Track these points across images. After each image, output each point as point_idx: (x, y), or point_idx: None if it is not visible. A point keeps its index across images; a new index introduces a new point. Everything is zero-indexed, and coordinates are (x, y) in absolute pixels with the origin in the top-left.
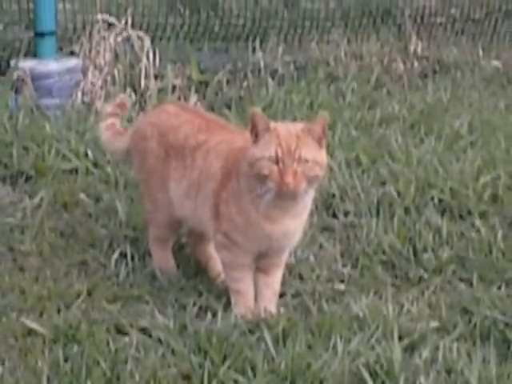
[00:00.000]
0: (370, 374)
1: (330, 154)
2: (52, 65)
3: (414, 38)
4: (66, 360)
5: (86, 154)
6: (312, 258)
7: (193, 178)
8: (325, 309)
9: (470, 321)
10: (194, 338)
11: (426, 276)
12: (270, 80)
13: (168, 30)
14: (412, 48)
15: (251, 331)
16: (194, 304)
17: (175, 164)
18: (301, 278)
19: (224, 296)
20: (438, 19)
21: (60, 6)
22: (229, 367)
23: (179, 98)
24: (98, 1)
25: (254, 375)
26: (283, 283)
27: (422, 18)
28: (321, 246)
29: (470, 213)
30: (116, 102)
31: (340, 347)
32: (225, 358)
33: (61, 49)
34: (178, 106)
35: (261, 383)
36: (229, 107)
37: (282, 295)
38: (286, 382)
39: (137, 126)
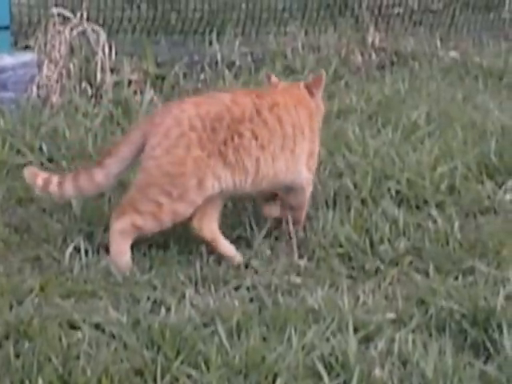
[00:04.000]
0: (325, 367)
1: None
2: (7, 59)
3: (371, 29)
4: (17, 356)
5: (41, 149)
6: (268, 251)
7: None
8: (280, 302)
9: (426, 312)
10: (147, 333)
11: (382, 267)
12: (227, 72)
13: (124, 24)
14: (370, 39)
15: (205, 325)
16: (148, 298)
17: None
18: (256, 271)
19: (178, 290)
20: (396, 10)
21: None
22: (182, 362)
23: (135, 92)
24: None
25: (208, 369)
26: (239, 275)
27: (379, 10)
28: (277, 239)
29: (426, 203)
30: None
31: (295, 340)
32: (178, 353)
33: (16, 43)
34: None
35: (214, 377)
36: None
37: (237, 288)
38: (239, 376)
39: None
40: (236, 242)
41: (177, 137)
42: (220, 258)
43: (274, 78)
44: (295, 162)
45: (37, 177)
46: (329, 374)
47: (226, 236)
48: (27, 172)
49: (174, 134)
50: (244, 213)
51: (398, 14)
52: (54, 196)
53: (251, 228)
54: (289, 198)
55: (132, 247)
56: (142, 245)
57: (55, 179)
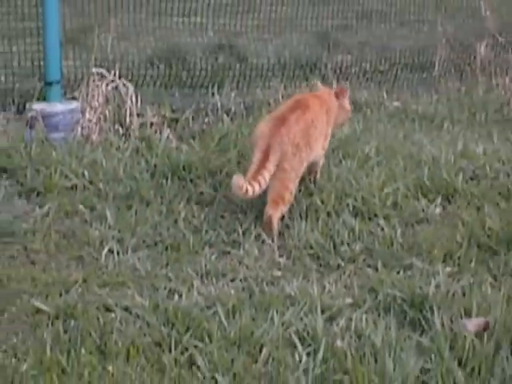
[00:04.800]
0: (299, 339)
1: None
2: (58, 106)
3: (334, 84)
4: (65, 332)
5: (83, 175)
6: (256, 251)
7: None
8: (265, 290)
9: (376, 298)
10: (164, 314)
11: (342, 264)
12: (225, 117)
13: (147, 79)
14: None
15: (208, 307)
16: (165, 288)
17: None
18: (247, 267)
19: (188, 281)
20: (353, 69)
21: (64, 62)
22: (190, 336)
23: (155, 131)
24: (93, 57)
25: (210, 341)
26: (234, 270)
27: (340, 69)
28: (263, 242)
29: (376, 215)
30: None
31: (276, 319)
32: (187, 329)
33: (65, 94)
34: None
35: (215, 347)
36: (193, 138)
37: (232, 280)
38: (234, 347)
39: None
40: (231, 244)
41: None
42: (222, 255)
43: (319, 84)
44: (318, 144)
45: (241, 184)
46: (302, 344)
47: (223, 240)
48: (236, 180)
49: None
50: (237, 222)
51: (355, 72)
52: (249, 195)
53: (243, 234)
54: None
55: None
56: (159, 246)
57: (250, 188)
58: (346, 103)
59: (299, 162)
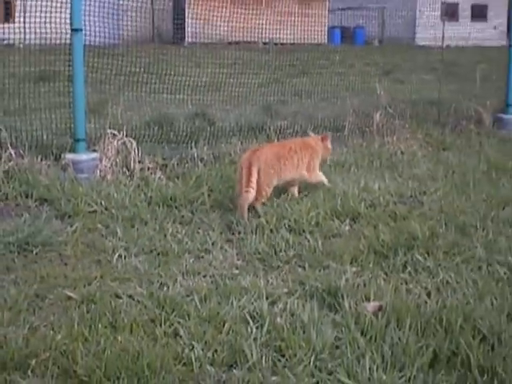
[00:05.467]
0: (251, 317)
1: None
2: (83, 156)
3: (276, 141)
4: (87, 312)
5: (101, 203)
6: (221, 257)
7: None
8: (227, 283)
9: (304, 288)
10: (157, 300)
11: (281, 265)
12: (199, 163)
13: (145, 137)
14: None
15: (187, 295)
16: (158, 281)
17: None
18: (215, 267)
19: (173, 277)
20: (288, 131)
21: (88, 125)
22: (175, 315)
23: (151, 173)
24: (108, 122)
25: (189, 319)
26: (206, 269)
27: (279, 131)
28: (226, 250)
29: (304, 231)
30: None
31: (235, 303)
32: (173, 310)
33: (88, 147)
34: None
35: (192, 323)
36: (178, 178)
37: (204, 276)
38: (206, 323)
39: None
40: (204, 251)
41: None
42: (197, 259)
43: (311, 134)
44: (300, 171)
45: (249, 196)
46: (253, 321)
47: (198, 248)
48: (245, 195)
49: None
50: (208, 236)
51: (290, 133)
52: (251, 197)
53: (212, 244)
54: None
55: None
56: (154, 253)
57: (251, 195)
58: (329, 145)
59: (271, 175)
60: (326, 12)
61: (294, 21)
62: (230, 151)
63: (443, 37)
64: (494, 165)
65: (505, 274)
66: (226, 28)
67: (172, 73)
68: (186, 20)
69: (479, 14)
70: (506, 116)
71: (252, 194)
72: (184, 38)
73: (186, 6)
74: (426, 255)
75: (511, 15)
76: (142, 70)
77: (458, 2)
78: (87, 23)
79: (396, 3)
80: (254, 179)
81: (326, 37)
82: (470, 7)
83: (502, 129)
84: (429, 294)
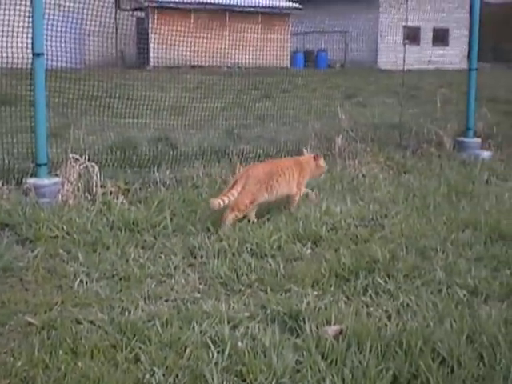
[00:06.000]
0: (212, 342)
1: None
2: (45, 181)
3: (238, 165)
4: (48, 339)
5: (63, 228)
6: (183, 281)
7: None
8: (189, 308)
9: (265, 312)
10: (118, 325)
11: (243, 288)
12: (162, 188)
13: (108, 162)
14: (237, 170)
15: (149, 320)
16: (119, 307)
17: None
18: (177, 291)
19: (135, 303)
20: (251, 155)
21: (50, 150)
22: (136, 340)
23: (113, 198)
24: (70, 147)
25: (150, 344)
26: (167, 294)
27: (242, 155)
28: (188, 275)
29: (266, 255)
30: None
31: (196, 328)
32: (134, 336)
33: (50, 172)
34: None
35: (153, 348)
36: (140, 202)
37: (166, 300)
38: (167, 348)
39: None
40: (166, 276)
41: None
42: (159, 284)
43: (304, 151)
44: (291, 187)
45: (215, 202)
46: (214, 345)
47: (160, 273)
48: (212, 201)
49: None
50: (170, 261)
51: (252, 157)
52: (221, 205)
53: (174, 269)
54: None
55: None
56: (115, 278)
57: (221, 202)
58: (321, 163)
59: (259, 190)
60: (289, 36)
61: (258, 45)
62: (192, 175)
63: (404, 61)
64: (455, 188)
65: (464, 296)
66: (189, 52)
67: (135, 97)
68: (150, 44)
69: (441, 37)
70: (466, 139)
71: (221, 202)
72: (147, 61)
73: (150, 30)
74: (387, 278)
75: (472, 39)
76: (105, 94)
77: (420, 26)
78: (49, 47)
79: (358, 27)
80: (233, 192)
81: (288, 61)
82: (431, 31)
83: (462, 152)
84: (389, 317)
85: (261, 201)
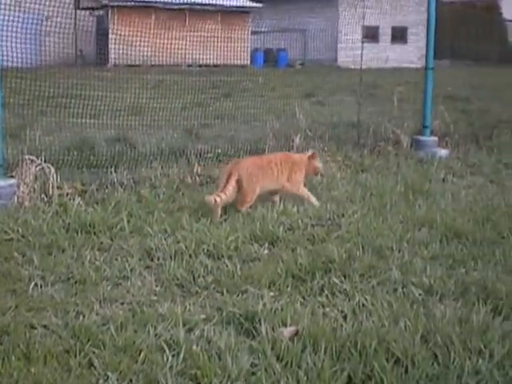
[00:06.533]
0: (167, 345)
1: None
2: (0, 182)
3: (196, 165)
4: (1, 344)
5: (18, 230)
6: (139, 283)
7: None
8: (145, 311)
9: (221, 314)
10: (72, 330)
11: (199, 291)
12: (119, 188)
13: (65, 163)
14: (194, 170)
15: (103, 324)
16: (74, 311)
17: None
18: (133, 294)
19: (90, 306)
20: (209, 155)
21: (6, 151)
22: (90, 345)
23: (70, 199)
24: (26, 148)
25: (104, 348)
26: (123, 297)
27: (200, 155)
28: (144, 277)
29: (223, 256)
30: None
31: (151, 331)
32: (88, 340)
33: (6, 173)
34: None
35: (107, 353)
36: (97, 203)
37: (122, 303)
38: (121, 352)
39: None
40: (122, 278)
41: None
42: (115, 286)
43: (309, 151)
44: (280, 182)
45: (211, 198)
46: (169, 349)
47: (117, 275)
48: (207, 197)
49: None
50: (126, 263)
51: (210, 157)
52: (218, 202)
53: (131, 271)
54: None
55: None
56: (71, 281)
57: (218, 198)
58: (316, 163)
59: (253, 183)
60: (249, 35)
61: (218, 43)
62: (150, 176)
63: (361, 59)
64: (411, 186)
65: (419, 295)
66: (149, 51)
67: (94, 96)
68: (109, 43)
69: (399, 36)
70: (422, 138)
71: (220, 199)
72: (107, 61)
73: (109, 29)
74: (343, 278)
75: (428, 39)
76: (63, 93)
77: (379, 24)
78: (5, 47)
79: (318, 26)
80: (230, 187)
81: (249, 59)
82: (390, 30)
83: (419, 150)
84: (345, 318)
85: (257, 193)
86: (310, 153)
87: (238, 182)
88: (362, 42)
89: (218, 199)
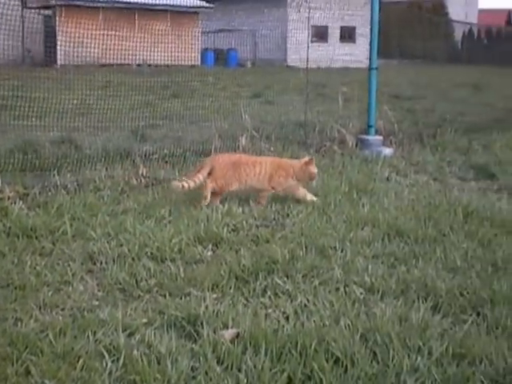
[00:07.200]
0: (107, 351)
1: None
2: None
3: (141, 166)
4: None
5: None
6: (81, 288)
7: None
8: (85, 316)
9: (163, 318)
10: (9, 337)
11: (142, 294)
12: (63, 191)
13: (8, 167)
14: (140, 172)
15: (42, 331)
16: (12, 317)
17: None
18: (74, 300)
19: (30, 312)
20: (154, 156)
21: None
22: (28, 353)
23: (11, 203)
24: None
25: (42, 356)
26: (64, 302)
27: (145, 156)
28: (86, 282)
29: (166, 259)
30: None
31: (91, 337)
32: (26, 348)
33: None
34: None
35: (45, 360)
36: (39, 207)
37: (62, 309)
38: (59, 359)
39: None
40: (63, 283)
41: None
42: (56, 292)
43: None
44: (261, 180)
45: (177, 184)
46: (109, 355)
47: (58, 280)
48: (174, 183)
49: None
50: (68, 268)
51: (156, 158)
52: (185, 188)
53: (72, 276)
54: (262, 193)
55: None
56: (11, 287)
57: (186, 185)
58: (311, 169)
59: (227, 178)
60: (199, 34)
61: (168, 43)
62: (94, 178)
63: (307, 59)
64: (356, 185)
65: (361, 294)
66: (98, 50)
67: (40, 97)
68: (57, 43)
69: (348, 36)
70: (367, 137)
71: (188, 185)
72: (55, 60)
73: (58, 28)
74: (286, 278)
75: (371, 39)
76: (8, 95)
77: (328, 24)
78: None
79: (268, 25)
80: (200, 175)
81: (199, 59)
82: (339, 29)
83: (364, 149)
84: (287, 318)
85: (233, 188)
86: (306, 159)
87: (211, 173)
88: (308, 43)
89: (185, 185)
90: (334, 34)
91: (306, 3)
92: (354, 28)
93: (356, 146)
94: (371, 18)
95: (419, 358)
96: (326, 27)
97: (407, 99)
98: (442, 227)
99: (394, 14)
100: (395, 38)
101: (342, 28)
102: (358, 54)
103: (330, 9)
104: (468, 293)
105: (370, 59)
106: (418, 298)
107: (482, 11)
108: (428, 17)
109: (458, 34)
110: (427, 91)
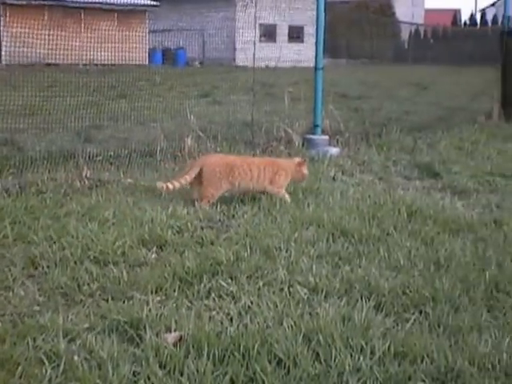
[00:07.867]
0: (47, 358)
1: None
2: None
3: (85, 168)
4: None
5: None
6: (22, 293)
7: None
8: (25, 322)
9: (105, 322)
10: None
11: (84, 299)
12: (4, 194)
13: None
14: (84, 174)
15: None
16: None
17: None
18: (14, 305)
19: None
20: (99, 158)
21: None
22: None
23: None
24: None
25: None
26: (4, 308)
27: (89, 157)
28: (27, 286)
29: (109, 262)
30: None
31: (31, 344)
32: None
33: None
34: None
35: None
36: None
37: (2, 315)
38: None
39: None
40: (4, 289)
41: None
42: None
43: (296, 159)
44: (261, 182)
45: (162, 185)
46: (49, 361)
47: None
48: (158, 183)
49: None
50: (9, 272)
51: (100, 160)
52: (170, 189)
53: (13, 280)
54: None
55: None
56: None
57: (171, 186)
58: (303, 170)
59: (216, 179)
60: (146, 33)
61: (114, 42)
62: (36, 180)
63: (254, 58)
64: (301, 185)
65: (305, 294)
66: (44, 50)
67: None
68: (2, 40)
69: (296, 35)
70: (314, 136)
71: (173, 186)
72: (0, 59)
73: (2, 25)
74: (230, 280)
75: (317, 40)
76: None
77: (276, 23)
78: None
79: (216, 25)
80: (187, 176)
81: (146, 58)
82: (287, 29)
83: (311, 149)
84: (231, 320)
85: (224, 190)
86: (299, 160)
87: (200, 176)
88: (254, 42)
89: (170, 186)
90: (283, 33)
91: (251, 3)
92: (302, 27)
93: (303, 145)
94: (317, 17)
95: (361, 358)
96: (275, 26)
97: (354, 99)
98: (385, 226)
99: (342, 14)
100: (344, 37)
101: (290, 27)
102: (306, 53)
103: (279, 7)
104: (411, 291)
105: (315, 59)
106: (362, 298)
107: (428, 11)
108: (375, 17)
109: (405, 34)
110: (374, 91)
